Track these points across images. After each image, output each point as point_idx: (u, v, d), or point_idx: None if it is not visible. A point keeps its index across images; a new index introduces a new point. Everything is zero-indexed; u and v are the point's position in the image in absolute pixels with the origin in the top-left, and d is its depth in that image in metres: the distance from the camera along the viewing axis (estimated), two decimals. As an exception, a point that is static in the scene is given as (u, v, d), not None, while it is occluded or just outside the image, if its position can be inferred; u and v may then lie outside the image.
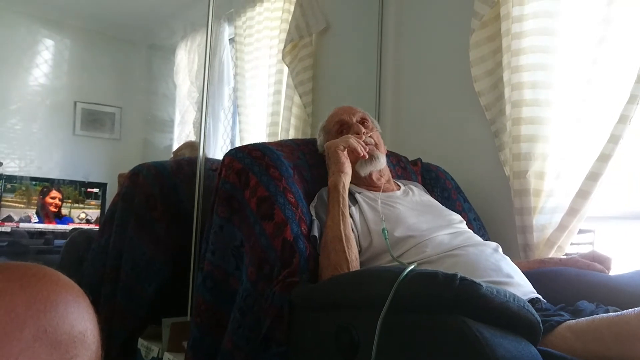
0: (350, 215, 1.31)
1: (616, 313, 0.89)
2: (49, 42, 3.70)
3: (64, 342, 0.40)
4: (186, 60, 3.59)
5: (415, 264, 0.92)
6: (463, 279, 0.76)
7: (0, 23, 3.37)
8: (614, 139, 1.39)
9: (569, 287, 1.29)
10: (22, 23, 3.51)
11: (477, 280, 0.78)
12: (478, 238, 1.31)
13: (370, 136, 1.45)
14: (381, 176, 1.45)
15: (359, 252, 1.26)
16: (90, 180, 3.56)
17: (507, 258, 1.23)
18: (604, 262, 1.34)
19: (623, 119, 1.37)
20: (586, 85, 1.51)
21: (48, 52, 3.69)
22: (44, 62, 3.66)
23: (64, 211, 3.41)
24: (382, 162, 1.43)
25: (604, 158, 1.40)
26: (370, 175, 1.42)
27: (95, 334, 0.44)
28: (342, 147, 1.34)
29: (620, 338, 0.83)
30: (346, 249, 1.15)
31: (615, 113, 1.40)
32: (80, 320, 0.42)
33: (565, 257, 1.50)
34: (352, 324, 0.92)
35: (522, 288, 1.13)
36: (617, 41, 1.45)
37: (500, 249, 1.26)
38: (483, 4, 1.75)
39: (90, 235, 2.09)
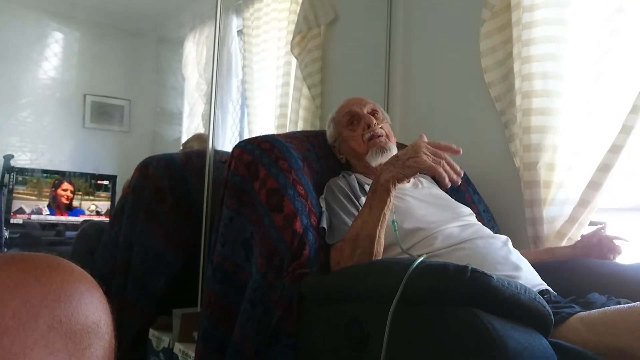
0: (360, 206, 1.31)
1: (628, 305, 0.89)
2: (59, 35, 3.71)
3: (78, 332, 0.41)
4: (195, 53, 3.59)
5: (425, 256, 0.92)
6: (474, 270, 0.76)
7: (10, 16, 3.39)
8: (626, 130, 1.37)
9: (580, 279, 1.28)
10: (31, 16, 3.53)
11: (489, 272, 0.77)
12: (487, 230, 1.31)
13: (381, 127, 1.44)
14: (392, 167, 1.44)
15: None
16: (100, 172, 3.58)
17: (517, 251, 1.23)
18: (609, 241, 1.38)
19: (635, 110, 1.36)
20: (598, 76, 1.49)
21: (57, 45, 3.70)
22: (53, 55, 3.68)
23: (75, 203, 3.44)
24: (393, 153, 1.43)
25: (615, 149, 1.39)
26: (380, 165, 1.42)
27: (108, 324, 0.45)
28: (427, 158, 1.05)
29: (632, 330, 0.83)
30: (375, 251, 1.11)
31: (627, 104, 1.38)
32: (94, 310, 0.43)
33: (571, 244, 1.50)
34: (362, 316, 0.92)
35: (531, 280, 1.13)
36: (630, 31, 1.43)
37: (510, 242, 1.26)
38: (494, -7, 1.73)
39: (101, 227, 2.10)
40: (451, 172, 1.02)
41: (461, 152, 1.06)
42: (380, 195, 1.10)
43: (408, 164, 1.06)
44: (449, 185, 1.02)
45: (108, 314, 0.45)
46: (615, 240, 1.39)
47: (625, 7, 1.43)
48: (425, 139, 1.12)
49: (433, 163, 1.03)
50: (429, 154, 1.05)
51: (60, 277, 0.42)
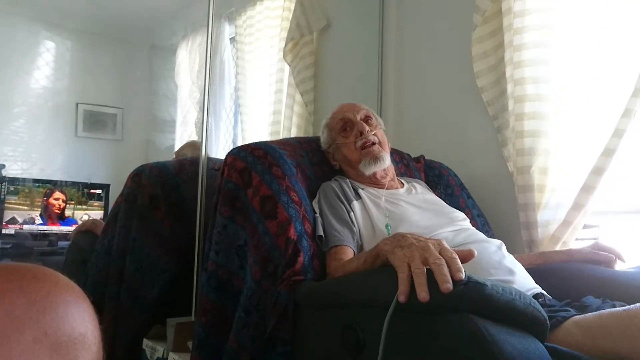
0: (352, 210, 1.31)
1: (623, 308, 0.89)
2: (50, 44, 3.70)
3: (64, 344, 0.40)
4: (187, 60, 3.59)
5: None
6: (469, 279, 0.76)
7: (1, 26, 3.38)
8: (618, 133, 1.38)
9: (575, 282, 1.28)
10: (22, 25, 3.52)
11: (483, 278, 0.77)
12: (481, 235, 1.31)
13: (374, 134, 1.44)
14: (386, 174, 1.44)
15: (360, 246, 1.26)
16: (93, 181, 3.56)
17: (510, 256, 1.23)
18: (609, 252, 1.35)
19: (627, 113, 1.36)
20: (589, 80, 1.50)
21: (49, 54, 3.69)
22: (45, 64, 3.67)
23: (68, 213, 3.42)
24: (386, 161, 1.43)
25: (608, 152, 1.40)
26: (374, 173, 1.42)
27: (96, 335, 0.44)
28: (409, 265, 0.85)
29: (627, 333, 0.82)
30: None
31: (619, 107, 1.39)
32: (80, 321, 0.42)
33: (565, 249, 1.50)
34: (357, 323, 0.92)
35: (525, 285, 1.13)
36: (621, 35, 1.44)
37: (504, 247, 1.26)
38: (485, -1, 1.74)
39: (94, 236, 2.08)
40: (422, 290, 0.78)
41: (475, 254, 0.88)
42: (377, 258, 0.99)
43: (398, 254, 0.88)
44: (402, 300, 0.80)
45: (95, 324, 0.44)
46: (611, 254, 1.37)
47: (615, 11, 1.44)
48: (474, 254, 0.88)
49: (409, 269, 0.83)
50: (417, 258, 0.84)
51: (46, 287, 0.41)
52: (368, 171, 1.41)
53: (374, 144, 1.42)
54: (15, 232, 3.20)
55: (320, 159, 1.53)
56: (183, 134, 3.62)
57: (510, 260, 1.20)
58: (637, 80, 1.35)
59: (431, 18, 2.12)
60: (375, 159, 1.40)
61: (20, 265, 0.42)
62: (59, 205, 3.38)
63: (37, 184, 3.33)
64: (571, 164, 1.54)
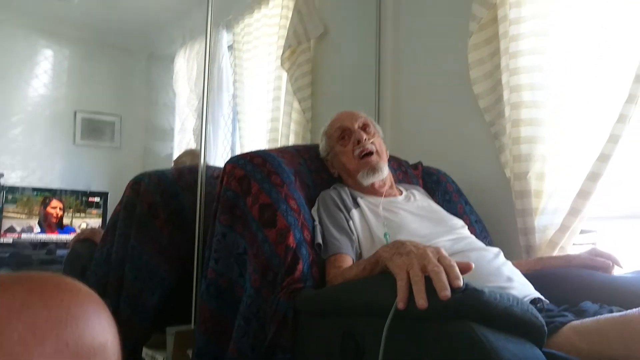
0: (351, 218, 1.31)
1: (620, 313, 0.90)
2: (48, 53, 3.71)
3: (84, 355, 0.40)
4: (185, 68, 3.60)
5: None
6: (466, 286, 0.77)
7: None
8: (613, 139, 1.39)
9: (572, 287, 1.29)
10: (20, 34, 3.53)
11: (481, 285, 0.78)
12: (480, 243, 1.32)
13: (372, 142, 1.45)
14: (384, 184, 1.45)
15: (359, 255, 1.27)
16: (92, 189, 3.56)
17: (509, 262, 1.24)
18: (606, 257, 1.35)
19: (622, 119, 1.38)
20: (584, 86, 1.51)
21: (47, 63, 3.70)
22: (43, 72, 3.67)
23: (66, 221, 3.41)
24: (384, 172, 1.43)
25: (603, 158, 1.41)
26: (372, 184, 1.42)
27: (115, 345, 0.44)
28: (408, 272, 0.86)
29: (625, 337, 0.83)
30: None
31: (614, 113, 1.40)
32: (100, 332, 0.42)
33: (563, 254, 1.50)
34: (357, 331, 0.92)
35: (523, 291, 1.14)
36: (616, 41, 1.46)
37: (501, 254, 1.26)
38: (481, 6, 1.76)
39: (93, 244, 2.08)
40: (420, 297, 0.79)
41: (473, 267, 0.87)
42: (376, 265, 1.00)
43: (397, 261, 0.89)
44: (401, 307, 0.81)
45: (115, 334, 0.44)
46: (608, 260, 1.38)
47: (610, 18, 1.46)
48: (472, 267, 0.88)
49: (408, 277, 0.84)
50: (416, 266, 0.85)
51: (67, 298, 0.41)
52: (366, 182, 1.41)
53: (372, 153, 1.43)
54: (13, 240, 3.19)
55: (318, 167, 1.53)
56: (181, 142, 3.63)
57: (509, 268, 1.20)
58: (631, 86, 1.36)
59: (428, 25, 2.13)
60: (374, 170, 1.41)
61: (41, 275, 0.42)
62: (57, 213, 3.38)
63: (35, 193, 3.33)
64: (568, 169, 1.55)
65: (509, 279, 1.14)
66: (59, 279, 0.43)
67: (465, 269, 0.84)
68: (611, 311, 1.04)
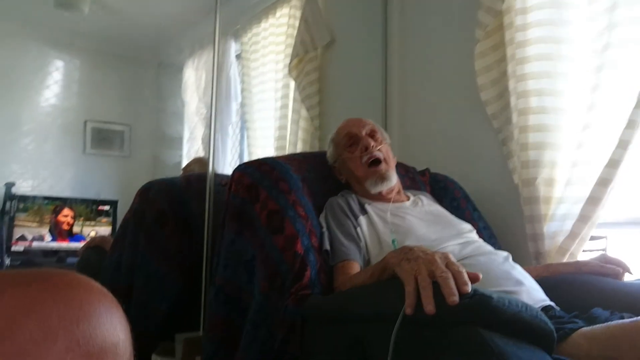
0: (359, 225, 1.32)
1: (631, 319, 0.89)
2: (59, 63, 3.76)
3: (96, 354, 0.39)
4: (194, 78, 3.63)
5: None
6: (475, 292, 0.76)
7: (11, 46, 3.44)
8: (622, 145, 1.38)
9: (583, 294, 1.28)
10: (32, 46, 3.58)
11: (489, 290, 0.78)
12: (488, 247, 1.31)
13: (379, 149, 1.45)
14: (391, 190, 1.45)
15: (367, 261, 1.27)
16: (102, 197, 3.59)
17: (518, 266, 1.23)
18: (616, 264, 1.34)
19: (631, 124, 1.37)
20: (593, 91, 1.51)
21: (58, 73, 3.75)
22: (54, 82, 3.72)
23: (76, 229, 3.44)
24: (393, 180, 1.44)
25: (613, 164, 1.40)
26: (380, 192, 1.43)
27: (127, 345, 0.43)
28: (416, 278, 0.85)
29: (636, 344, 0.82)
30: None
31: (623, 118, 1.39)
32: (113, 330, 0.41)
33: (573, 261, 1.49)
34: (364, 337, 0.92)
35: (533, 296, 1.13)
36: (623, 46, 1.45)
37: (510, 258, 1.26)
38: (487, 13, 1.76)
39: (103, 252, 2.10)
40: (428, 303, 0.80)
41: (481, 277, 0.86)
42: (380, 269, 1.01)
43: (405, 267, 0.89)
44: (409, 313, 0.81)
45: (127, 334, 0.43)
46: (618, 266, 1.36)
47: (616, 23, 1.45)
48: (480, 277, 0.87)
49: (416, 282, 0.84)
50: (424, 271, 0.84)
51: (80, 296, 0.41)
52: (375, 190, 1.42)
53: (379, 161, 1.43)
54: (24, 249, 3.22)
55: (326, 174, 1.54)
56: (190, 150, 3.65)
57: (519, 271, 1.19)
58: (640, 92, 1.36)
59: (434, 32, 2.14)
60: (383, 178, 1.41)
61: (53, 272, 0.42)
62: (68, 221, 3.41)
63: (46, 201, 3.37)
64: (576, 175, 1.54)
65: (519, 283, 1.13)
66: (72, 275, 0.42)
67: (473, 279, 0.83)
68: (622, 317, 1.03)
